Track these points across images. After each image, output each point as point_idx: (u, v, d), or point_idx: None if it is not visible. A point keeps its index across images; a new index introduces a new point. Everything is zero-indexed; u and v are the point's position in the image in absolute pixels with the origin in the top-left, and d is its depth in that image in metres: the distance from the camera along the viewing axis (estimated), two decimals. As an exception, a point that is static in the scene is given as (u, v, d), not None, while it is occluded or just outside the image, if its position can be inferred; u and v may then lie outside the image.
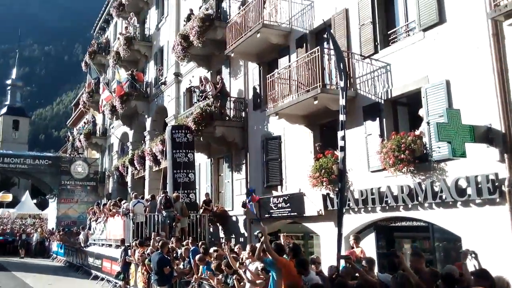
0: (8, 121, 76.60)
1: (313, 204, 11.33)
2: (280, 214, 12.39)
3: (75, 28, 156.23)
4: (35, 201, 44.22)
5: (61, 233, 25.10)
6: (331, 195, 10.78)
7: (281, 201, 12.32)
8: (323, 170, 10.72)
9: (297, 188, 12.02)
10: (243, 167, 14.89)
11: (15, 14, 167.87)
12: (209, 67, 17.65)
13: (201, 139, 15.84)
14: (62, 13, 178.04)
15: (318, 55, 10.41)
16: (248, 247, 9.33)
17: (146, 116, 23.08)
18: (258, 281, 7.96)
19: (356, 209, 10.22)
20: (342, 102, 8.46)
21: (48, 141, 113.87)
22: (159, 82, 21.78)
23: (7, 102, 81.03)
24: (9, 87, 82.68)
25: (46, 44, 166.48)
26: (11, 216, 40.67)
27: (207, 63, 17.64)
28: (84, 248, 19.87)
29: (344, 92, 8.55)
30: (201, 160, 17.34)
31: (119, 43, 24.05)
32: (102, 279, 16.32)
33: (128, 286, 13.72)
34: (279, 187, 12.98)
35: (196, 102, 16.46)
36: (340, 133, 8.33)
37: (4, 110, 78.60)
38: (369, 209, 9.97)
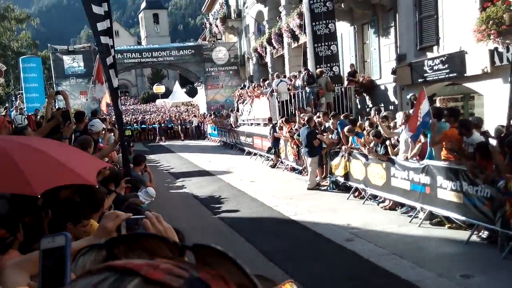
0: (149, 15, 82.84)
1: (476, 62, 10.45)
2: (436, 77, 11.80)
3: None
4: (184, 90, 49.07)
5: (212, 116, 27.94)
6: (500, 49, 9.77)
7: (437, 63, 11.63)
8: (490, 22, 9.62)
9: (457, 46, 11.12)
10: (392, 30, 14.12)
11: None
12: None
13: (342, 6, 15.23)
14: None
15: None
16: (401, 114, 9.29)
17: (280, -10, 22.69)
18: (415, 148, 8.02)
19: (531, 62, 9.16)
20: None
21: (186, 31, 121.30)
22: None
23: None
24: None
25: None
26: (166, 105, 46.23)
27: None
28: (235, 128, 21.93)
29: None
30: (343, 30, 16.84)
31: None
32: (255, 154, 18.12)
33: (279, 159, 15.07)
34: (435, 47, 12.16)
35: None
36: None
37: (144, 4, 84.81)
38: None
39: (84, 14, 5.40)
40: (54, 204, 3.94)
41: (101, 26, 5.36)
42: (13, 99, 35.26)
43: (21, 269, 1.60)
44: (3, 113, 18.69)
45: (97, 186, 3.76)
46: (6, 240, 3.49)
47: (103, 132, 8.01)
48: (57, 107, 20.29)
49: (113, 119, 13.58)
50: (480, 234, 6.74)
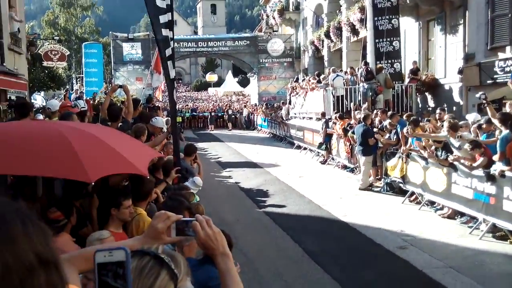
0: (207, 5, 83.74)
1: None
2: (507, 79, 10.99)
3: None
4: (237, 79, 49.29)
5: (263, 108, 27.80)
6: None
7: (509, 64, 10.90)
8: None
9: (534, 47, 10.33)
10: (460, 28, 13.41)
11: None
12: None
13: (408, 1, 14.60)
14: None
15: None
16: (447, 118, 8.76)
17: (342, -18, 22.11)
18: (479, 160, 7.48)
19: None
20: None
21: (243, 22, 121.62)
22: None
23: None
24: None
25: None
26: (218, 94, 46.65)
27: None
28: (286, 121, 21.68)
29: None
30: (407, 26, 16.17)
31: None
32: (305, 148, 17.79)
33: (330, 155, 14.70)
34: (507, 47, 11.40)
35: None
36: None
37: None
38: None
39: (145, 6, 5.56)
40: (103, 190, 3.93)
41: (163, 18, 5.52)
42: (73, 82, 36.73)
43: (70, 264, 1.50)
44: (63, 94, 19.46)
45: (148, 177, 3.72)
46: (61, 223, 3.50)
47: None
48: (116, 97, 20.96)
49: (166, 105, 13.77)
50: (551, 254, 6.19)
